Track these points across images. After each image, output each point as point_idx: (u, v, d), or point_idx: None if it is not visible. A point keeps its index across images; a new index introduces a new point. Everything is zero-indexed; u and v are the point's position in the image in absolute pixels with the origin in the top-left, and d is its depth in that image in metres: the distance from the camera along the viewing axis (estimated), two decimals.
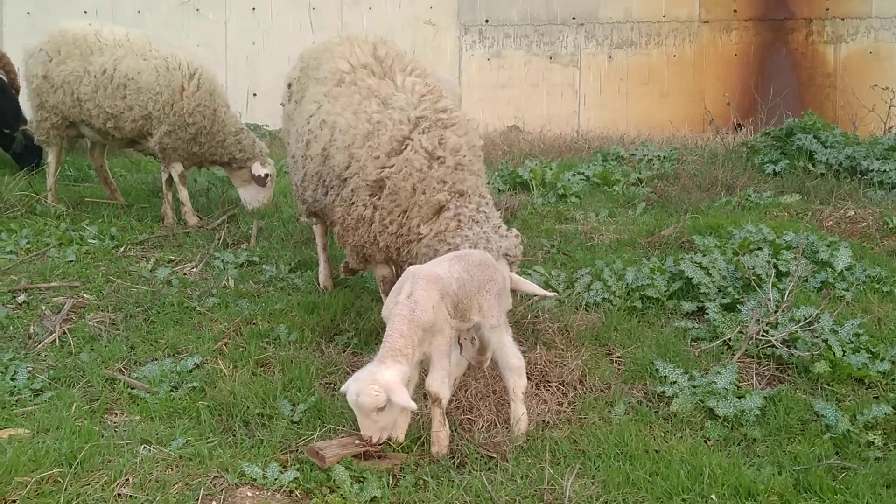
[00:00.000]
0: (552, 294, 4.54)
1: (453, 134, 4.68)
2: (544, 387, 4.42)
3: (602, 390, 4.41)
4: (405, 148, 4.64)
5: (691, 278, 5.48)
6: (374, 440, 3.48)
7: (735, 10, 15.52)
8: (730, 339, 4.88)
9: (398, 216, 4.64)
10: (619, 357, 4.83)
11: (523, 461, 3.65)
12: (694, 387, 4.31)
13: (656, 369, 4.52)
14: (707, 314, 5.14)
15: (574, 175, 8.88)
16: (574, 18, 15.43)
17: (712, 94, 15.74)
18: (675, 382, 4.37)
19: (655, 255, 6.33)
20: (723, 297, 5.37)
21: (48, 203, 7.81)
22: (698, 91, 15.94)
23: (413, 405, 3.44)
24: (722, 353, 4.80)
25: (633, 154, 10.11)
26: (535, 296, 4.74)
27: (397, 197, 4.62)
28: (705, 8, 15.43)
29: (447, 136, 4.65)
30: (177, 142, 7.32)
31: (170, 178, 7.65)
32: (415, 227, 4.58)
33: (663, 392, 4.31)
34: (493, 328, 3.88)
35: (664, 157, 9.95)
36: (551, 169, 8.86)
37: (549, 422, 4.07)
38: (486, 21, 15.34)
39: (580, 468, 3.58)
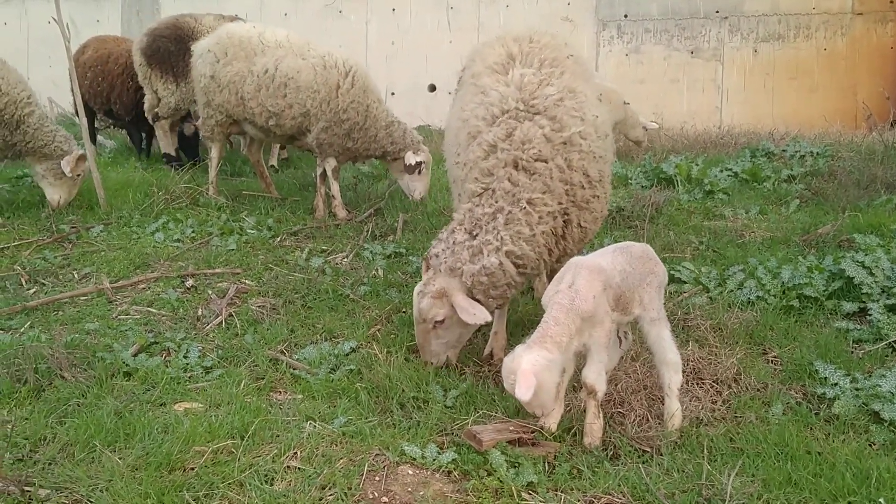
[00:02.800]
0: (482, 321, 4.19)
1: (534, 126, 4.37)
2: (697, 384, 4.34)
3: (758, 390, 4.30)
4: (473, 142, 4.55)
5: (852, 278, 5.24)
6: (537, 415, 3.65)
7: (892, 1, 14.63)
8: (895, 342, 4.65)
9: (461, 205, 4.61)
10: (775, 357, 4.69)
11: (678, 456, 3.60)
12: (857, 389, 4.13)
13: (816, 370, 4.36)
14: (870, 315, 4.91)
15: (721, 171, 8.64)
16: (717, 12, 14.95)
17: (866, 88, 14.87)
18: (836, 384, 4.20)
19: (812, 253, 6.09)
20: (887, 298, 5.11)
21: (210, 195, 8.26)
22: (850, 86, 15.10)
23: (525, 396, 3.35)
24: (886, 355, 4.58)
25: (783, 150, 9.73)
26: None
27: (456, 183, 4.83)
28: None
29: (523, 128, 4.37)
30: (332, 137, 7.57)
31: (323, 173, 7.93)
32: (454, 209, 4.71)
33: (824, 394, 4.15)
34: (652, 321, 3.85)
35: (817, 154, 9.52)
36: (697, 165, 8.65)
37: (702, 419, 4.00)
38: (625, 16, 15.12)
39: (739, 466, 3.50)
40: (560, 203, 4.36)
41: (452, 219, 4.49)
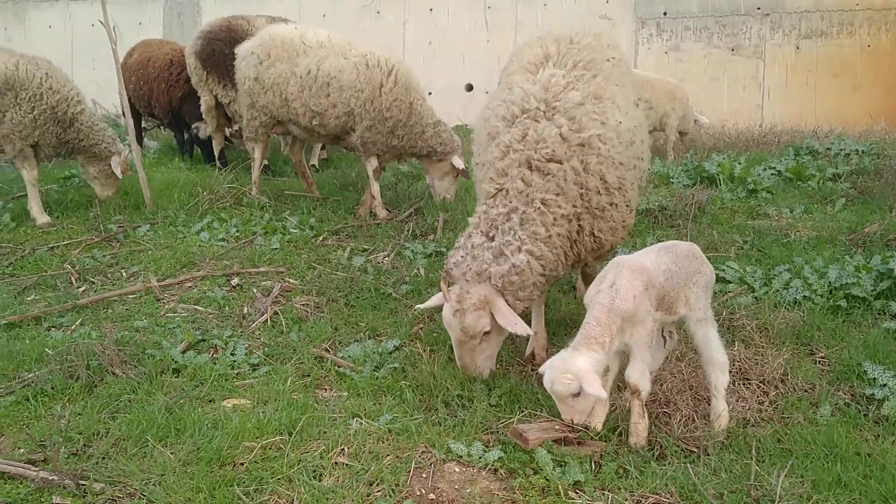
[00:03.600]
0: (528, 331, 4.06)
1: (551, 125, 4.29)
2: (744, 384, 4.31)
3: (806, 390, 4.25)
4: (492, 143, 4.49)
5: None
6: (576, 422, 3.59)
7: None
8: None
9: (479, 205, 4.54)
10: (822, 357, 4.63)
11: (725, 457, 3.58)
12: None
13: (864, 371, 4.30)
14: None
15: (765, 169, 8.53)
16: (759, 8, 14.78)
17: None
18: (885, 385, 4.14)
19: (859, 252, 6.00)
20: None
21: (253, 195, 8.34)
22: (894, 83, 14.83)
23: (604, 394, 3.47)
24: None
25: (827, 148, 9.59)
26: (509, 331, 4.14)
27: (477, 185, 4.76)
28: None
29: (538, 128, 4.30)
30: (377, 136, 7.61)
31: (375, 169, 7.99)
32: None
33: (873, 394, 4.10)
34: (699, 322, 3.83)
35: (862, 152, 9.36)
36: (740, 163, 8.56)
37: (749, 420, 3.97)
38: (665, 13, 15.00)
39: (788, 467, 3.47)
40: (574, 206, 4.26)
41: (468, 223, 4.41)
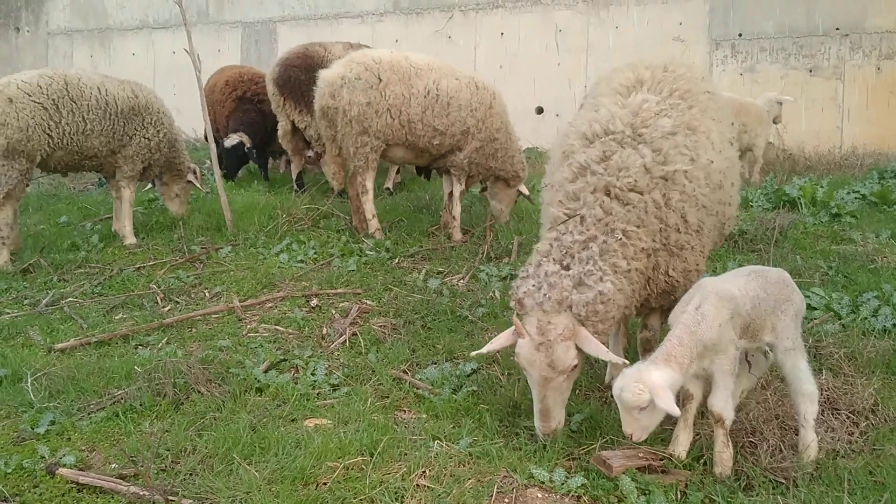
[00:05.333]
0: (622, 360, 3.74)
1: (636, 153, 4.01)
2: (833, 414, 4.18)
3: None
4: (565, 162, 4.22)
5: None
6: (634, 437, 3.48)
7: None
8: None
9: (544, 230, 4.27)
10: None
11: (815, 489, 3.47)
12: None
13: None
14: None
15: (848, 193, 8.32)
16: (838, 29, 14.45)
17: None
18: None
19: None
20: None
21: (371, 234, 7.94)
22: None
23: (676, 410, 3.37)
24: None
25: None
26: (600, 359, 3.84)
27: (543, 209, 4.45)
28: None
29: (623, 154, 4.02)
30: (482, 157, 7.84)
31: (451, 193, 8.14)
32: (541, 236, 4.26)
33: None
34: (787, 350, 3.74)
35: None
36: (822, 187, 8.36)
37: (839, 451, 3.84)
38: (740, 35, 14.80)
39: (881, 501, 3.35)
40: (653, 241, 3.98)
41: (534, 251, 4.05)
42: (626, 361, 3.68)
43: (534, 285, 3.81)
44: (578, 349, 3.73)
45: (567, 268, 3.83)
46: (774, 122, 11.69)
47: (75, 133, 7.28)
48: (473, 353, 4.11)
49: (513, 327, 3.83)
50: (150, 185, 9.18)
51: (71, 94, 7.23)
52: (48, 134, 7.09)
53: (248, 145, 10.83)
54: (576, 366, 3.77)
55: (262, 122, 11.14)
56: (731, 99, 10.99)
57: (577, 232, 3.91)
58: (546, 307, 3.73)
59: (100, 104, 7.41)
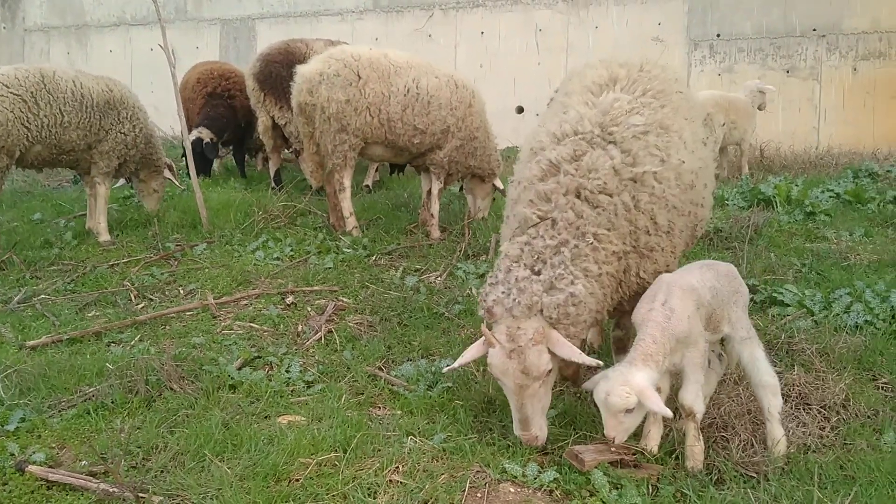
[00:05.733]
0: (595, 362, 3.61)
1: (605, 154, 3.93)
2: (804, 409, 4.22)
3: (868, 416, 4.15)
4: (533, 159, 4.12)
5: None
6: (616, 440, 3.50)
7: None
8: None
9: (509, 228, 4.17)
10: (885, 383, 4.52)
11: (786, 483, 3.50)
12: None
13: None
14: None
15: (823, 192, 8.39)
16: (814, 30, 14.58)
17: None
18: None
19: None
20: None
21: (348, 231, 7.91)
22: None
23: (667, 411, 3.42)
24: None
25: (888, 170, 9.39)
26: (576, 363, 3.71)
27: (507, 204, 4.31)
28: None
29: (593, 155, 3.92)
30: (462, 155, 7.88)
31: (429, 191, 8.16)
32: (504, 239, 4.16)
33: None
34: (743, 341, 3.80)
35: None
36: (797, 185, 8.43)
37: (810, 445, 3.88)
38: (718, 35, 14.90)
39: (852, 496, 3.37)
40: (624, 244, 3.90)
41: (503, 255, 3.94)
42: (601, 363, 3.64)
43: (503, 292, 3.69)
44: (551, 353, 3.62)
45: (538, 273, 3.71)
46: (759, 109, 11.85)
47: (53, 126, 7.20)
48: (445, 369, 4.04)
49: (483, 338, 3.72)
50: (122, 182, 9.08)
51: (48, 87, 7.15)
52: (26, 127, 7.00)
53: (208, 140, 10.70)
54: (550, 370, 3.65)
55: (230, 117, 11.05)
56: (718, 95, 11.19)
57: (548, 236, 3.80)
58: (515, 312, 3.61)
59: (76, 97, 7.33)
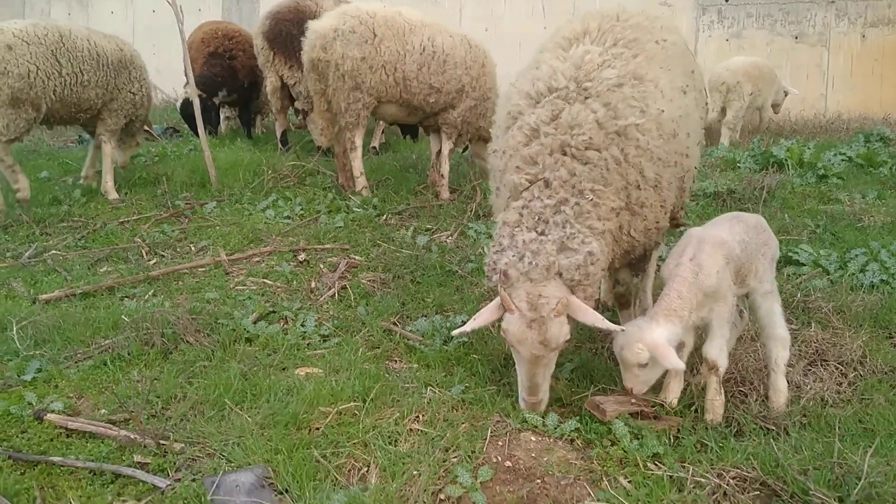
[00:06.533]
0: (617, 328, 3.53)
1: (586, 109, 3.75)
2: (821, 365, 4.22)
3: (886, 373, 4.15)
4: (514, 125, 3.95)
5: None
6: (635, 391, 3.55)
7: None
8: None
9: (501, 199, 4.00)
10: None
11: (806, 435, 3.50)
12: None
13: None
14: None
15: (835, 155, 8.35)
16: None
17: None
18: None
19: None
20: None
21: (358, 191, 7.85)
22: None
23: (681, 365, 3.41)
24: None
25: None
26: (597, 328, 3.55)
27: (494, 176, 4.13)
28: None
29: (572, 111, 3.75)
30: (474, 116, 7.81)
31: (439, 151, 8.10)
32: (499, 210, 3.99)
33: None
34: (765, 295, 3.80)
35: None
36: (809, 149, 8.37)
37: (828, 400, 3.88)
38: (727, 0, 14.73)
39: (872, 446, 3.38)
40: (619, 198, 3.75)
41: (499, 223, 3.78)
42: (623, 328, 3.58)
43: (514, 255, 3.53)
44: (570, 319, 3.50)
45: (543, 234, 3.55)
46: (773, 108, 12.07)
47: (75, 84, 7.23)
48: (455, 332, 3.83)
49: (497, 300, 3.57)
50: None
51: (66, 46, 7.16)
52: (51, 81, 7.03)
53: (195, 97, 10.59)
54: (568, 340, 3.55)
55: (226, 76, 10.88)
56: (748, 63, 11.20)
57: (545, 196, 3.64)
58: (534, 276, 3.46)
59: (92, 55, 7.35)
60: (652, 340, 3.42)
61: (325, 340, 4.66)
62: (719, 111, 11.01)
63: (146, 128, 8.68)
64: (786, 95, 12.38)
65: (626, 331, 3.52)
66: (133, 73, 7.83)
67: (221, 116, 12.60)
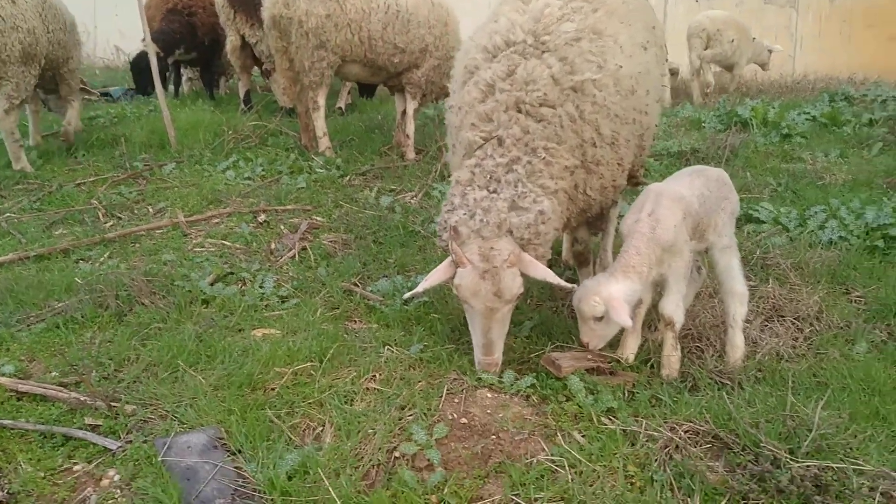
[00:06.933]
0: (569, 286, 3.51)
1: (542, 64, 3.69)
2: (778, 321, 4.25)
3: (841, 328, 4.19)
4: (470, 80, 3.88)
5: None
6: (591, 346, 3.53)
7: None
8: None
9: (457, 157, 3.96)
10: (858, 296, 4.56)
11: (760, 389, 3.53)
12: None
13: None
14: None
15: (799, 114, 8.37)
16: None
17: None
18: None
19: None
20: None
21: (322, 152, 7.76)
22: None
23: (629, 322, 3.39)
24: None
25: (864, 95, 9.38)
26: (549, 283, 3.53)
27: (450, 132, 4.04)
28: None
29: (528, 67, 3.69)
30: (438, 75, 7.72)
31: (404, 112, 8.02)
32: (455, 168, 3.93)
33: None
34: (724, 249, 3.80)
35: None
36: (773, 108, 8.39)
37: (783, 355, 3.91)
38: None
39: (824, 400, 3.41)
40: (573, 156, 3.70)
41: (454, 182, 3.72)
42: (575, 286, 3.59)
43: (465, 214, 3.49)
44: (523, 275, 3.48)
45: (495, 192, 3.52)
46: (761, 66, 12.32)
47: (55, 43, 7.28)
48: (406, 295, 3.82)
49: (448, 259, 3.56)
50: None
51: (46, 4, 7.16)
52: (44, 38, 7.06)
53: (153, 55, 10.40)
54: (521, 294, 3.51)
55: (185, 33, 10.63)
56: (727, 15, 11.48)
57: (497, 155, 3.60)
58: (485, 234, 3.43)
59: (59, 16, 7.36)
60: (608, 294, 3.41)
61: (283, 302, 4.61)
62: (693, 66, 11.25)
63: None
64: (770, 54, 12.49)
65: (585, 284, 3.52)
66: (78, 34, 7.92)
67: (184, 77, 12.36)
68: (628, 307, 3.43)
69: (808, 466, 2.81)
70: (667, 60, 8.16)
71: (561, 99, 3.66)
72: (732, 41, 11.10)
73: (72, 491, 2.95)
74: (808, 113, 8.53)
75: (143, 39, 9.70)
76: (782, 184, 6.39)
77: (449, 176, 6.96)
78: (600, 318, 3.47)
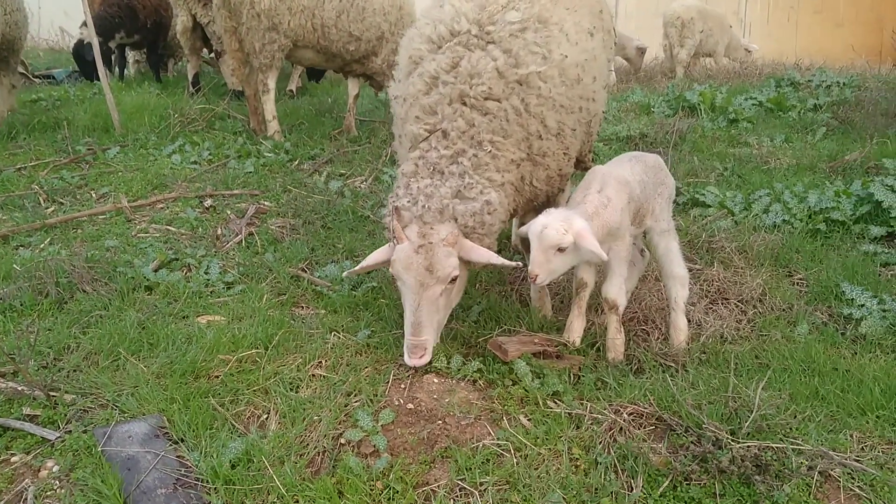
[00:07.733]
0: (513, 264, 3.53)
1: (486, 57, 3.65)
2: (722, 303, 4.31)
3: (783, 310, 4.27)
4: (415, 72, 3.83)
5: (881, 202, 5.16)
6: (539, 279, 3.35)
7: None
8: None
9: (403, 148, 3.91)
10: (801, 278, 4.64)
11: (703, 371, 3.58)
12: (884, 310, 4.10)
13: (842, 292, 4.32)
14: None
15: (746, 100, 8.49)
16: None
17: (892, 23, 14.57)
18: (863, 305, 4.17)
19: (839, 179, 6.00)
20: None
21: (270, 136, 7.68)
22: (876, 20, 14.78)
23: (604, 255, 3.31)
24: None
25: (809, 80, 9.55)
26: (493, 266, 3.54)
27: (396, 123, 4.04)
28: None
29: (472, 59, 3.65)
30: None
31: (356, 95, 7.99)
32: (401, 159, 3.92)
33: (850, 314, 4.12)
34: (662, 233, 3.83)
35: (844, 84, 9.33)
36: (721, 93, 8.49)
37: (727, 337, 3.98)
38: None
39: (765, 381, 3.47)
40: (519, 149, 3.69)
41: (399, 175, 3.70)
42: (519, 264, 3.58)
43: (409, 201, 3.47)
44: (463, 262, 3.45)
45: (439, 181, 3.50)
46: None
47: (12, 25, 7.24)
48: (345, 273, 3.79)
49: (389, 243, 3.57)
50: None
51: None
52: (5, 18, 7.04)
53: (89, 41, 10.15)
54: (455, 277, 3.44)
55: (125, 17, 10.40)
56: (699, 5, 11.65)
57: (441, 147, 3.57)
58: (427, 218, 3.41)
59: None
60: (580, 227, 3.30)
61: (229, 288, 4.54)
62: (670, 51, 11.48)
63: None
64: (749, 53, 12.75)
65: (551, 212, 3.39)
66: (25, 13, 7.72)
67: (131, 59, 12.09)
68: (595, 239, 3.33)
69: (748, 447, 2.85)
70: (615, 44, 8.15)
71: (506, 92, 3.63)
72: (702, 31, 11.32)
73: (9, 482, 2.87)
74: (755, 98, 8.66)
75: (82, 25, 9.46)
76: (728, 168, 6.47)
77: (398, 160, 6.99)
78: (562, 250, 3.32)
